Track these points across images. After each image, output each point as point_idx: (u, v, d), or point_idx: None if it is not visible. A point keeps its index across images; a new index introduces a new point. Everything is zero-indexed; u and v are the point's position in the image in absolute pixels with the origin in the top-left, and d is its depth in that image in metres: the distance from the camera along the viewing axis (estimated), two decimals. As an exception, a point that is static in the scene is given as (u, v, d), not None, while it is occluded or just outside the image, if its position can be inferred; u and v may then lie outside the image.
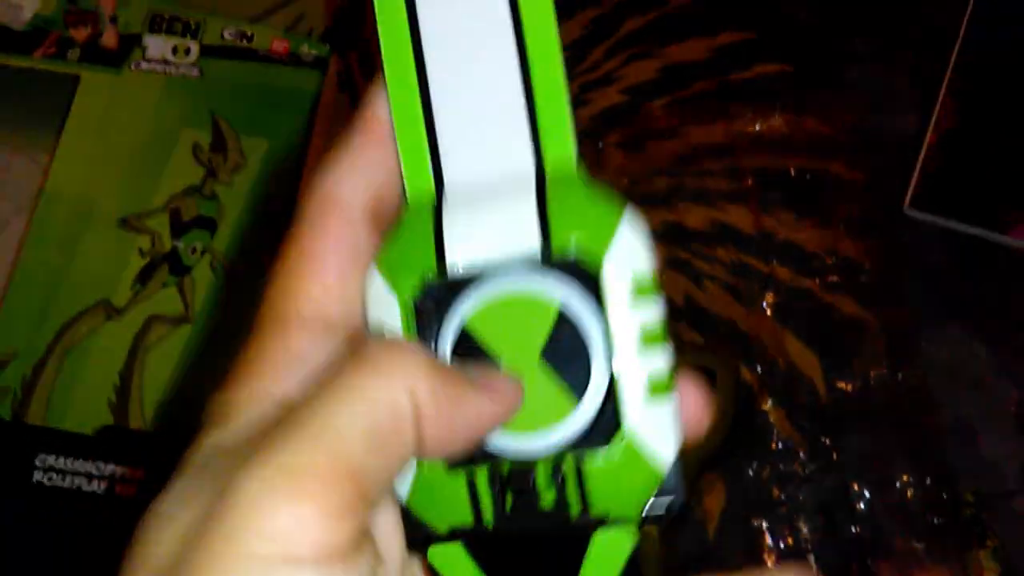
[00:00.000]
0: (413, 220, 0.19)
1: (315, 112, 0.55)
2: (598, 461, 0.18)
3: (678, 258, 0.56)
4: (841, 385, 0.52)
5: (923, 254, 0.56)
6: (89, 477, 0.47)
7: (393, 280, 0.19)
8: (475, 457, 0.18)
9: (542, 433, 0.18)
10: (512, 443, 0.18)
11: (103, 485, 0.47)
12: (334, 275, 0.20)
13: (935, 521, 0.47)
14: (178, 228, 0.52)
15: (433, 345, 0.19)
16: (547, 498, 0.18)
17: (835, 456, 0.50)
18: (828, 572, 0.48)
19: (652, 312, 0.18)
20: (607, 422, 0.18)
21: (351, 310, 0.20)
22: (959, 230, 0.56)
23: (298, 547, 0.16)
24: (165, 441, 0.48)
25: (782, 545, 0.49)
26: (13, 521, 0.52)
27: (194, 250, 0.51)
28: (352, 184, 0.20)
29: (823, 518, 0.49)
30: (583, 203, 0.19)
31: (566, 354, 0.18)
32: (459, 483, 0.18)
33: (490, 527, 0.18)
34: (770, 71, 0.61)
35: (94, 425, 0.48)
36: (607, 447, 0.18)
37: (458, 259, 0.19)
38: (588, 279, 0.18)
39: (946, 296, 0.55)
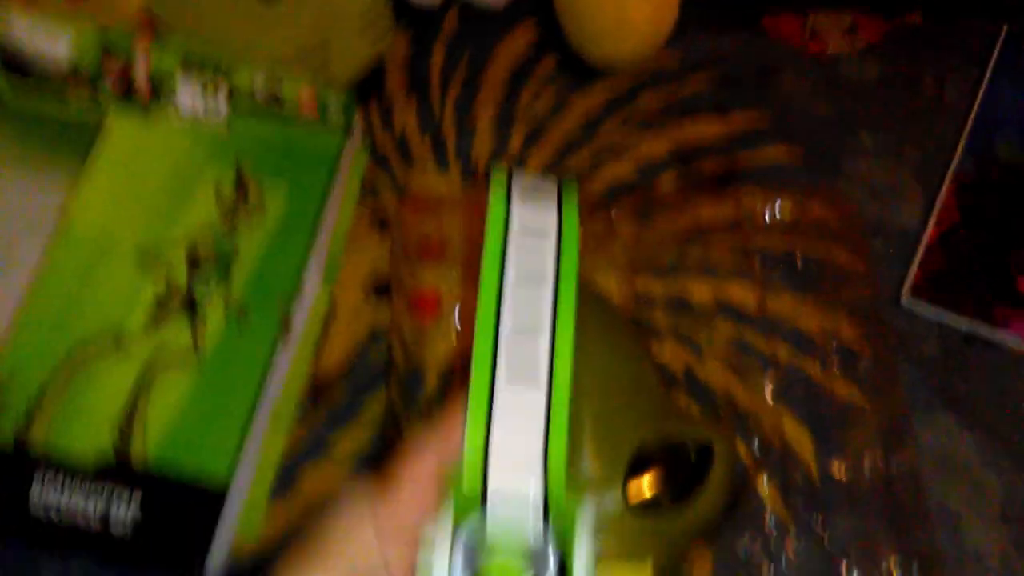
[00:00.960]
0: (466, 486, 0.29)
1: (336, 169, 0.56)
2: None
3: (679, 330, 0.57)
4: (835, 466, 0.53)
5: (918, 343, 0.58)
6: (84, 514, 0.47)
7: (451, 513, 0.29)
8: None
9: None
10: None
11: (97, 522, 0.47)
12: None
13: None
14: (194, 266, 0.52)
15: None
16: None
17: (825, 538, 0.51)
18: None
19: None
20: None
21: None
22: (954, 323, 0.57)
23: None
24: (162, 484, 0.48)
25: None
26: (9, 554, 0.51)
27: (208, 288, 0.52)
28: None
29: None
30: (566, 519, 0.30)
31: None
32: None
33: None
34: (779, 156, 0.63)
35: (95, 454, 0.48)
36: None
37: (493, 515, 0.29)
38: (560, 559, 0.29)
39: (938, 386, 0.56)
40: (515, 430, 0.30)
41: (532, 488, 0.30)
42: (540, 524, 0.29)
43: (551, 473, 0.30)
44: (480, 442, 0.30)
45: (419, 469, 0.31)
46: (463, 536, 0.29)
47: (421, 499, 0.30)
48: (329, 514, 0.31)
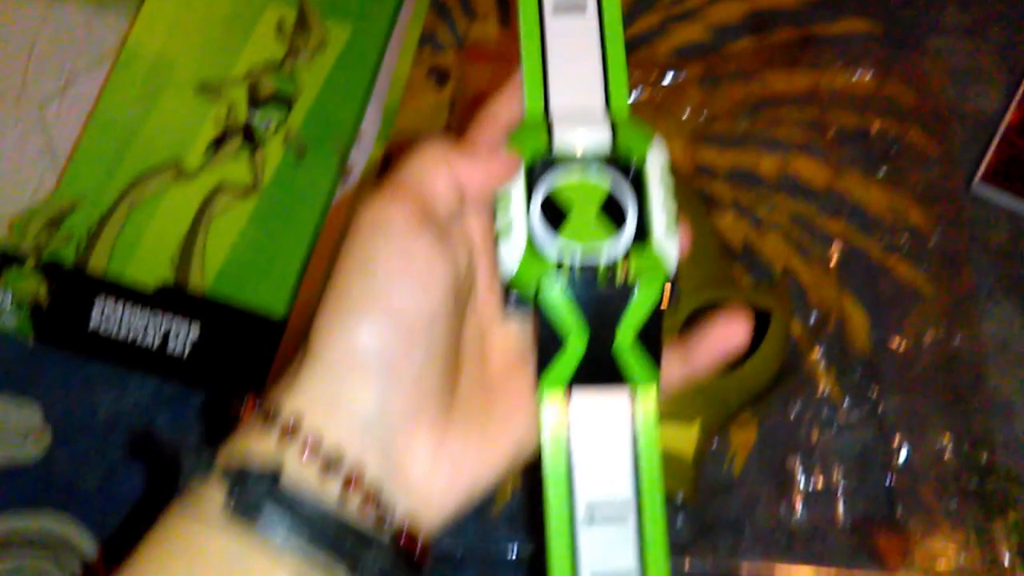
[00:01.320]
0: (531, 122, 0.31)
1: (398, 13, 0.55)
2: (637, 253, 0.30)
3: (741, 202, 0.56)
4: (893, 343, 0.52)
5: (987, 230, 0.56)
6: (144, 330, 0.47)
7: (520, 148, 0.30)
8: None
9: (601, 245, 0.30)
10: (582, 253, 0.30)
11: (157, 340, 0.47)
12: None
13: (968, 485, 0.48)
14: (255, 101, 0.51)
15: (531, 196, 0.30)
16: (604, 275, 0.29)
17: (879, 409, 0.50)
18: (856, 519, 0.49)
19: (669, 188, 0.30)
20: (642, 238, 0.30)
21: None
22: (1025, 212, 0.56)
23: (391, 221, 0.28)
24: (220, 307, 0.48)
25: (811, 488, 0.49)
26: (66, 364, 0.52)
27: (268, 125, 0.51)
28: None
29: (858, 466, 0.50)
30: (634, 130, 0.31)
31: (613, 210, 0.30)
32: (550, 266, 0.29)
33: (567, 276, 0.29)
34: (857, 29, 0.60)
35: (154, 282, 0.48)
36: (643, 247, 0.30)
37: (560, 146, 0.30)
38: (629, 172, 0.31)
39: (1003, 274, 0.55)
40: (570, 57, 0.32)
41: (596, 104, 0.31)
42: (608, 138, 0.30)
43: (612, 92, 0.31)
44: (537, 70, 0.31)
45: (491, 129, 0.31)
46: (537, 167, 0.30)
47: (494, 156, 0.30)
48: (404, 161, 0.30)
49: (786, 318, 0.51)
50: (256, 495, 0.25)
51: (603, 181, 0.30)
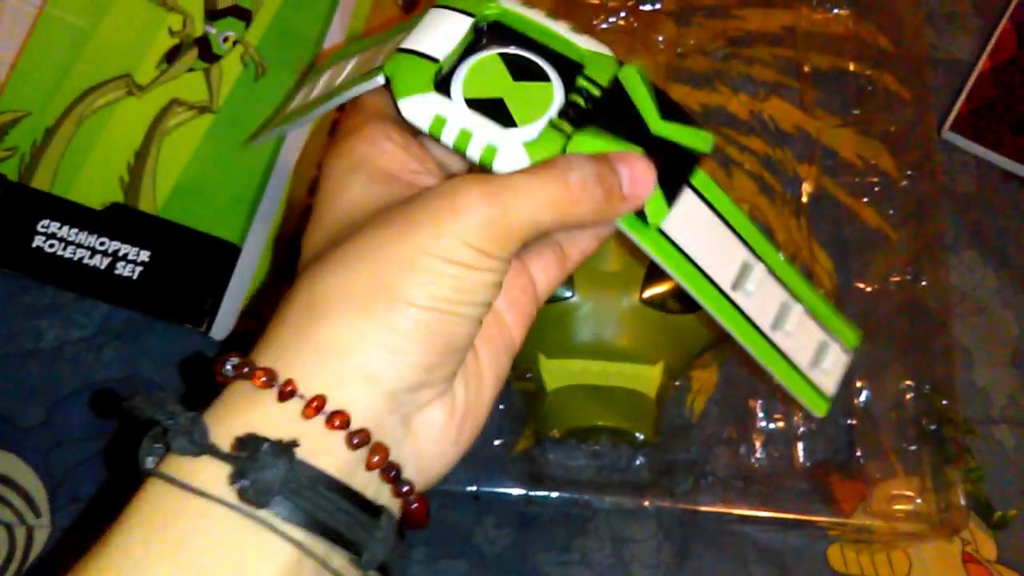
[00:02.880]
0: (401, 67, 0.31)
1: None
2: (589, 70, 0.32)
3: (711, 142, 0.55)
4: (856, 289, 0.52)
5: (955, 179, 0.56)
6: (92, 251, 0.45)
7: (418, 90, 0.30)
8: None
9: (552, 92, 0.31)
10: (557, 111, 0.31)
11: (105, 261, 0.45)
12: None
13: (926, 431, 0.48)
14: (212, 14, 0.49)
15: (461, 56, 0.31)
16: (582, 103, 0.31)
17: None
18: (814, 462, 0.49)
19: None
20: (572, 57, 0.32)
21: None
22: (993, 161, 0.56)
23: (492, 253, 0.27)
24: (173, 228, 0.46)
25: (772, 427, 0.49)
26: (7, 287, 0.50)
27: (226, 39, 0.48)
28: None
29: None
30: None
31: (521, 68, 0.32)
32: (550, 132, 0.30)
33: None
34: (836, -31, 0.59)
35: (102, 200, 0.46)
36: (586, 64, 0.32)
37: (438, 54, 0.31)
38: (482, 33, 0.32)
39: (970, 222, 0.55)
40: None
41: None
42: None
43: None
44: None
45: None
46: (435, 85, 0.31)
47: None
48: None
49: (753, 259, 0.50)
50: (271, 477, 0.24)
51: (493, 60, 0.31)
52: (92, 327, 0.51)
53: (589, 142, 0.30)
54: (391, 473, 0.26)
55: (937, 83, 0.57)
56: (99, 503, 0.48)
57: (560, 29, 0.32)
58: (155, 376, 0.50)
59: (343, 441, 0.26)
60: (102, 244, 0.45)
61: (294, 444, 0.25)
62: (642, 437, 0.46)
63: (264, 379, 0.26)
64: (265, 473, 0.24)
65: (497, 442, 0.48)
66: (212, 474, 0.25)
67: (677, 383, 0.50)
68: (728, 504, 0.47)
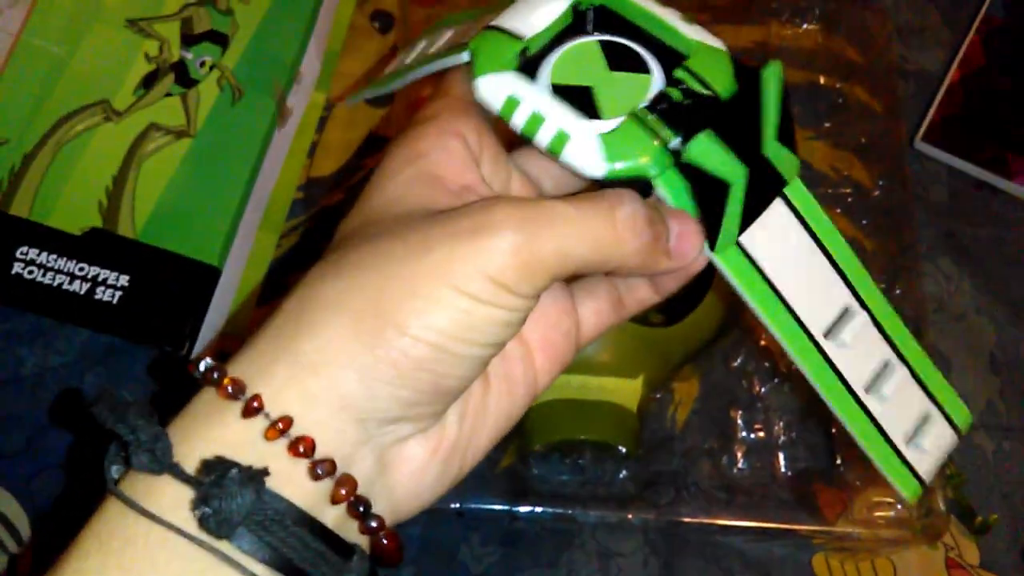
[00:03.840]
0: (485, 43, 0.28)
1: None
2: (692, 62, 0.28)
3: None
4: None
5: (927, 188, 0.57)
6: (71, 276, 0.45)
7: (497, 68, 0.27)
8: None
9: (648, 83, 0.28)
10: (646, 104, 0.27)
11: (85, 286, 0.45)
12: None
13: (906, 437, 0.48)
14: (189, 39, 0.49)
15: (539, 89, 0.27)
16: (679, 97, 0.27)
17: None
18: (796, 471, 0.49)
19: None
20: (678, 48, 0.28)
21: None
22: (965, 169, 0.56)
23: (515, 289, 0.24)
24: (152, 252, 0.46)
25: (753, 437, 0.49)
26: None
27: (203, 64, 0.49)
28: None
29: (798, 418, 0.50)
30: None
31: (620, 57, 0.28)
32: (630, 126, 0.26)
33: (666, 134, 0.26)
34: (806, -16, 0.60)
35: (81, 226, 0.46)
36: (691, 55, 0.28)
37: (527, 32, 0.28)
38: (588, 14, 0.29)
39: (943, 231, 0.56)
40: None
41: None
42: None
43: None
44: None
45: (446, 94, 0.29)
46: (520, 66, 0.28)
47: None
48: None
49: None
50: (236, 507, 0.22)
51: (590, 47, 0.28)
52: (72, 353, 0.51)
53: (705, 148, 0.26)
54: (359, 508, 0.24)
55: (908, 94, 0.58)
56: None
57: (669, 17, 0.28)
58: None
59: (306, 470, 0.23)
60: (81, 269, 0.45)
61: (264, 472, 0.23)
62: (625, 450, 0.46)
63: (230, 389, 0.23)
64: (230, 502, 0.22)
65: (480, 459, 0.48)
66: (173, 497, 0.23)
67: (658, 395, 0.50)
68: (712, 515, 0.47)
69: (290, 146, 0.52)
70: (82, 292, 0.45)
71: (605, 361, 0.47)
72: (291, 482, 0.23)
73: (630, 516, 0.47)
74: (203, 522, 0.22)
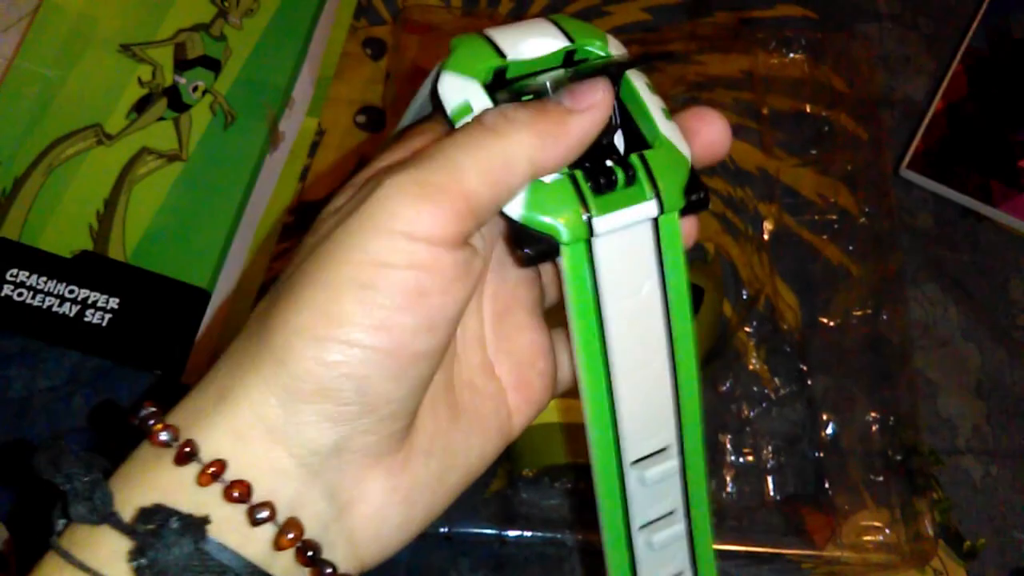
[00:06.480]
0: (468, 45, 0.27)
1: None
2: (651, 153, 0.26)
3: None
4: (821, 324, 0.52)
5: (913, 215, 0.57)
6: (61, 299, 0.45)
7: (468, 72, 0.26)
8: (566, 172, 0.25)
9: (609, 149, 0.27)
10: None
11: (74, 309, 0.45)
12: None
13: (893, 463, 0.48)
14: (182, 64, 0.50)
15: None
16: (622, 180, 0.25)
17: (807, 387, 0.51)
18: (784, 495, 0.49)
19: (645, 82, 0.28)
20: (646, 136, 0.27)
21: None
22: (950, 197, 0.57)
23: (417, 230, 0.22)
24: (143, 275, 0.46)
25: (742, 461, 0.50)
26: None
27: (195, 88, 0.49)
28: None
29: (787, 443, 0.50)
30: (587, 30, 0.28)
31: None
32: (564, 184, 0.25)
33: (593, 207, 0.25)
34: (792, 14, 0.61)
35: (71, 248, 0.46)
36: (654, 147, 0.26)
37: (511, 54, 0.26)
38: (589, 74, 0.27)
39: (929, 257, 0.56)
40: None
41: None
42: (562, 38, 0.27)
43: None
44: None
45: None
46: (491, 84, 0.26)
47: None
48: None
49: (717, 296, 0.51)
50: (175, 558, 0.20)
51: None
52: (62, 375, 0.51)
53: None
54: (307, 554, 0.22)
55: (893, 123, 0.59)
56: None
57: (651, 105, 0.27)
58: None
59: (244, 516, 0.21)
60: (71, 292, 0.45)
61: (205, 521, 0.21)
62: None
63: (162, 436, 0.22)
64: (167, 552, 0.20)
65: (470, 483, 0.48)
66: (111, 548, 0.21)
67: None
68: (701, 540, 0.47)
69: (282, 170, 0.53)
70: (72, 314, 0.45)
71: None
72: (234, 530, 0.22)
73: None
74: (139, 574, 0.21)
